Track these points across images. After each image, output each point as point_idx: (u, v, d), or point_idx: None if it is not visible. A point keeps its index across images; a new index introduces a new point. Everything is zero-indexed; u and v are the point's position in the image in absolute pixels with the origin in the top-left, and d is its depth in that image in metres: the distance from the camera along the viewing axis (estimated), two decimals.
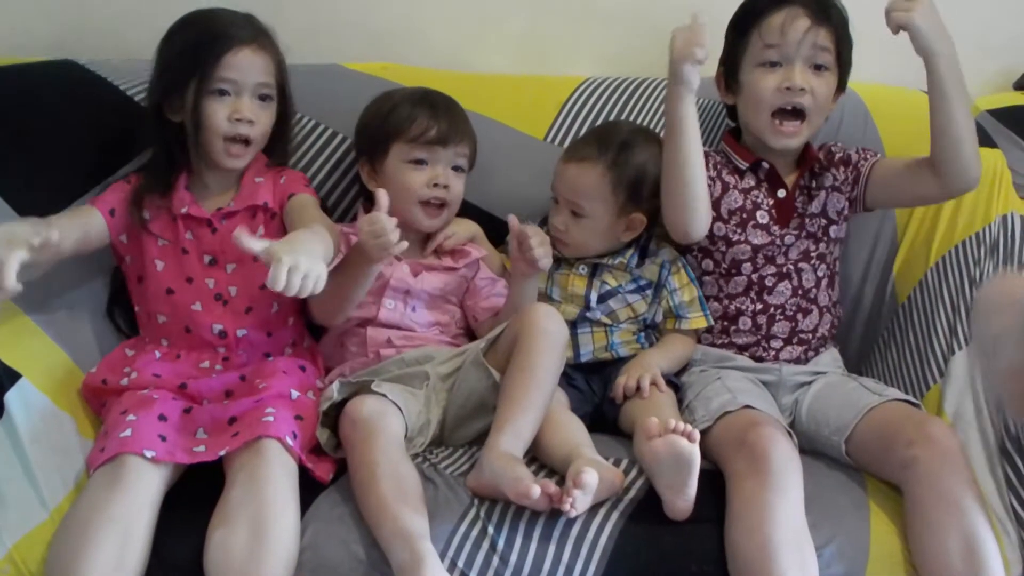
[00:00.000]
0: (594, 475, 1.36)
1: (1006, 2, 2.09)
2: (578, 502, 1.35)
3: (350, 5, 2.02)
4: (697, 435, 1.37)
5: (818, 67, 1.68)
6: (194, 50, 1.61)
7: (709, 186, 1.70)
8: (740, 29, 1.73)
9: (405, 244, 1.50)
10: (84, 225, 1.61)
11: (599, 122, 1.90)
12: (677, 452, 1.36)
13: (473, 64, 2.04)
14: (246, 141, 1.63)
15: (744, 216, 1.72)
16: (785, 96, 1.67)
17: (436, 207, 1.72)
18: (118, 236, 1.66)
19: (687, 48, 1.58)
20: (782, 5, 1.68)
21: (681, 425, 1.38)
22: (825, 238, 1.74)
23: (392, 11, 2.03)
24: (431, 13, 2.04)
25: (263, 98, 1.65)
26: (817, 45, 1.67)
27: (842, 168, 1.76)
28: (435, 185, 1.70)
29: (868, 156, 1.76)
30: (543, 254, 1.62)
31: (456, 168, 1.73)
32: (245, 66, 1.61)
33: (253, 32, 1.64)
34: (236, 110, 1.61)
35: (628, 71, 2.00)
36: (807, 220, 1.73)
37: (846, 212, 1.76)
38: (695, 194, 1.64)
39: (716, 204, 1.72)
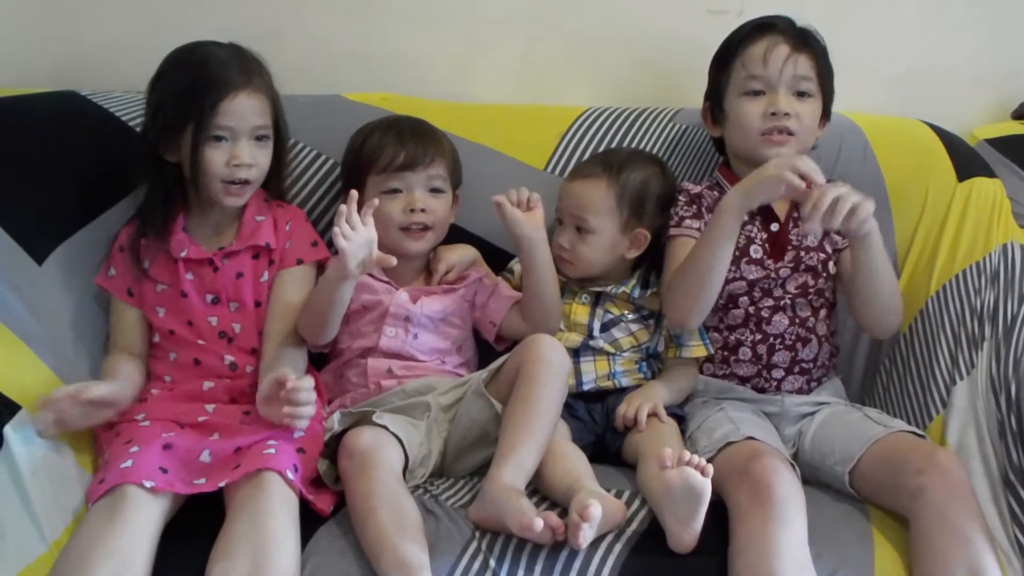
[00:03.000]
0: (599, 509, 1.35)
1: (1004, 32, 2.10)
2: (584, 536, 1.34)
3: (350, 36, 2.03)
4: (711, 470, 1.37)
5: (801, 94, 1.71)
6: (189, 96, 1.58)
7: (697, 231, 1.71)
8: (722, 61, 1.77)
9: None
10: (134, 325, 1.66)
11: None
12: (689, 485, 1.36)
13: (473, 94, 2.04)
14: (245, 182, 1.62)
15: (737, 253, 1.71)
16: (771, 121, 1.69)
17: (419, 231, 1.72)
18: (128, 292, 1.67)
19: (778, 169, 1.55)
20: (762, 35, 1.72)
21: (695, 458, 1.37)
22: (825, 273, 1.74)
23: (392, 42, 2.04)
24: (431, 43, 2.05)
25: (260, 139, 1.63)
26: (798, 74, 1.70)
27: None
28: (412, 211, 1.70)
29: None
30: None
31: (434, 190, 1.73)
32: (242, 112, 1.59)
33: (246, 74, 1.61)
34: (234, 156, 1.59)
35: (626, 100, 2.00)
36: (803, 253, 1.73)
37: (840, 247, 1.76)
38: (708, 297, 1.65)
39: None
